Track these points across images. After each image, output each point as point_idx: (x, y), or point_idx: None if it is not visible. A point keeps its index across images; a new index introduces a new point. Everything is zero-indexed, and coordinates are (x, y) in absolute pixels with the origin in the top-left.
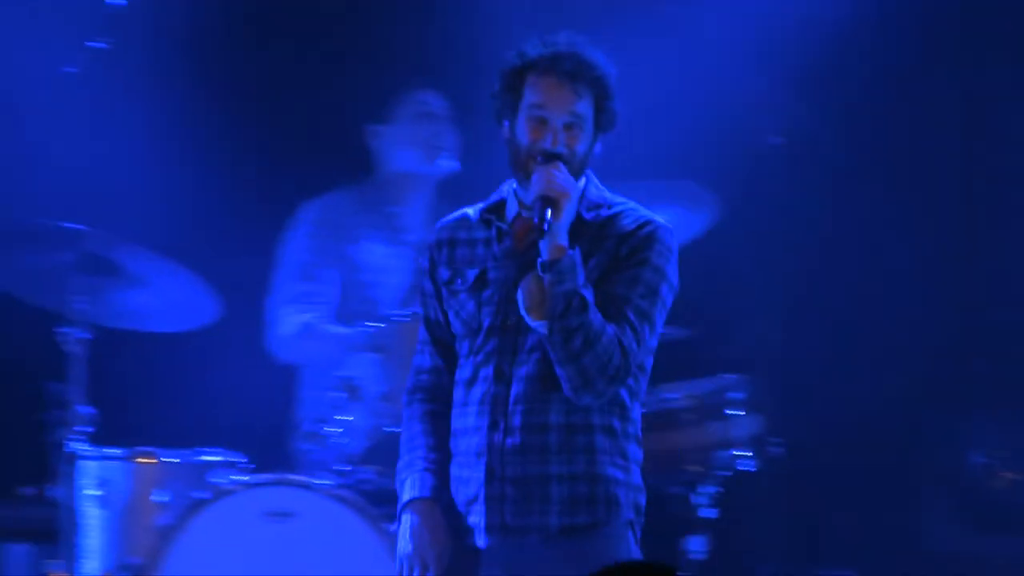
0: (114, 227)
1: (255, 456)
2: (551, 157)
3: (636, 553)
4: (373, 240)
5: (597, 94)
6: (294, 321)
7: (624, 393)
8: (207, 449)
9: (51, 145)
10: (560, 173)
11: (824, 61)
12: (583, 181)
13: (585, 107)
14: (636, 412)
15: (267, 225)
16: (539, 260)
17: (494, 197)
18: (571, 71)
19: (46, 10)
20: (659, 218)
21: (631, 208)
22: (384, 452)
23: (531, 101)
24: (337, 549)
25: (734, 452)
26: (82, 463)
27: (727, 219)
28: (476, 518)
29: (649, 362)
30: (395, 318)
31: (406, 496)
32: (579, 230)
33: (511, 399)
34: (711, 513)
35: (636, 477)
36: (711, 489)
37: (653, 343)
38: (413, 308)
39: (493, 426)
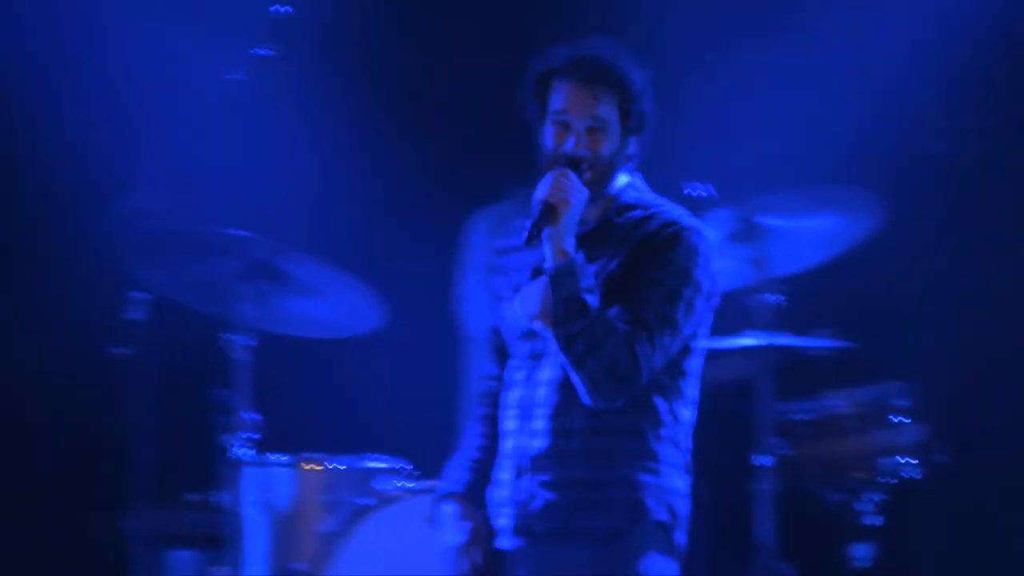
0: (280, 234)
1: (420, 463)
2: (573, 161)
3: (669, 556)
4: None
5: (621, 97)
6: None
7: (656, 395)
8: (372, 455)
9: (218, 153)
10: (566, 179)
11: (992, 65)
12: (623, 180)
13: (607, 111)
14: (679, 413)
15: (433, 232)
16: (545, 266)
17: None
18: (591, 75)
19: (213, 19)
20: (689, 220)
21: (665, 210)
22: None
23: (554, 107)
24: None
25: (899, 459)
26: (247, 469)
27: (892, 225)
28: (504, 520)
29: (690, 363)
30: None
31: (443, 488)
32: (608, 233)
33: (538, 404)
34: (876, 521)
35: (671, 480)
36: (876, 496)
37: (677, 345)
38: None
39: (522, 430)
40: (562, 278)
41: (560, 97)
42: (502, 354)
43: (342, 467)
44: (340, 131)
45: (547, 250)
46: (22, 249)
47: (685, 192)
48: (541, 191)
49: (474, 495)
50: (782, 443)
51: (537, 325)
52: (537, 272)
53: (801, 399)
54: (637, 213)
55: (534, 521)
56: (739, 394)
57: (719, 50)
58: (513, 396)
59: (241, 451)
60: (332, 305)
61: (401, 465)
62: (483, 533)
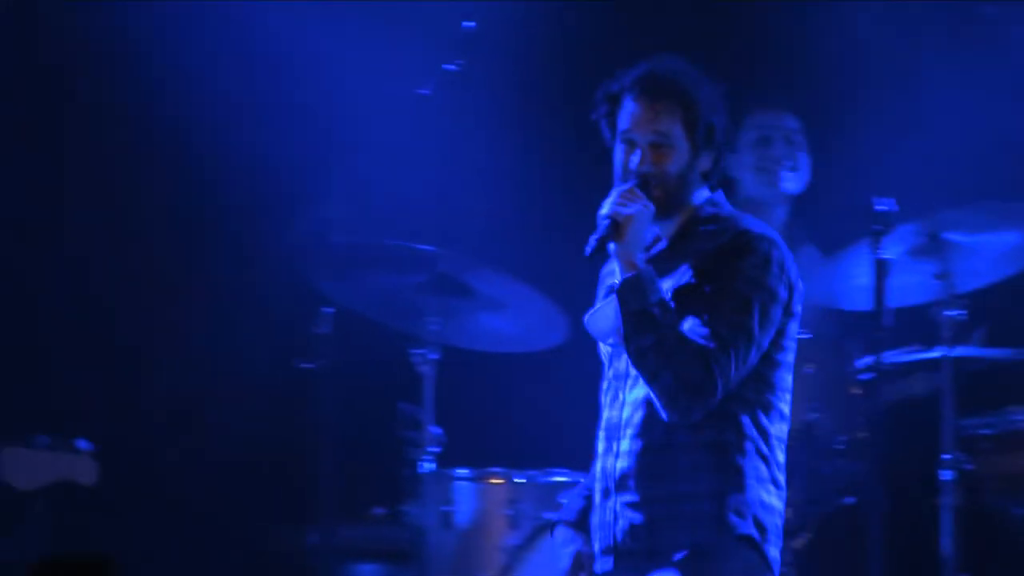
0: (466, 248)
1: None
2: (641, 178)
3: (758, 571)
4: None
5: (683, 111)
6: None
7: (738, 408)
8: (556, 469)
9: (405, 167)
10: (631, 195)
11: None
12: (702, 195)
13: (670, 124)
14: (766, 427)
15: None
16: (612, 283)
17: None
18: (652, 91)
19: (405, 34)
20: (762, 228)
21: (739, 222)
22: None
23: (621, 127)
24: None
25: None
26: (431, 483)
27: None
28: (597, 543)
29: (778, 376)
30: None
31: (557, 516)
32: (683, 248)
33: (623, 424)
34: None
35: (757, 493)
36: None
37: (755, 354)
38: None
39: (609, 451)
40: (629, 292)
41: (625, 116)
42: None
43: (526, 481)
44: (525, 146)
45: (617, 265)
46: (213, 264)
47: (875, 207)
48: (606, 207)
49: (583, 522)
50: (965, 458)
51: (613, 342)
52: (613, 290)
53: (985, 414)
54: (712, 227)
55: (620, 541)
56: (923, 408)
57: (909, 64)
58: (603, 418)
59: (425, 465)
60: (516, 320)
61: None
62: (587, 559)
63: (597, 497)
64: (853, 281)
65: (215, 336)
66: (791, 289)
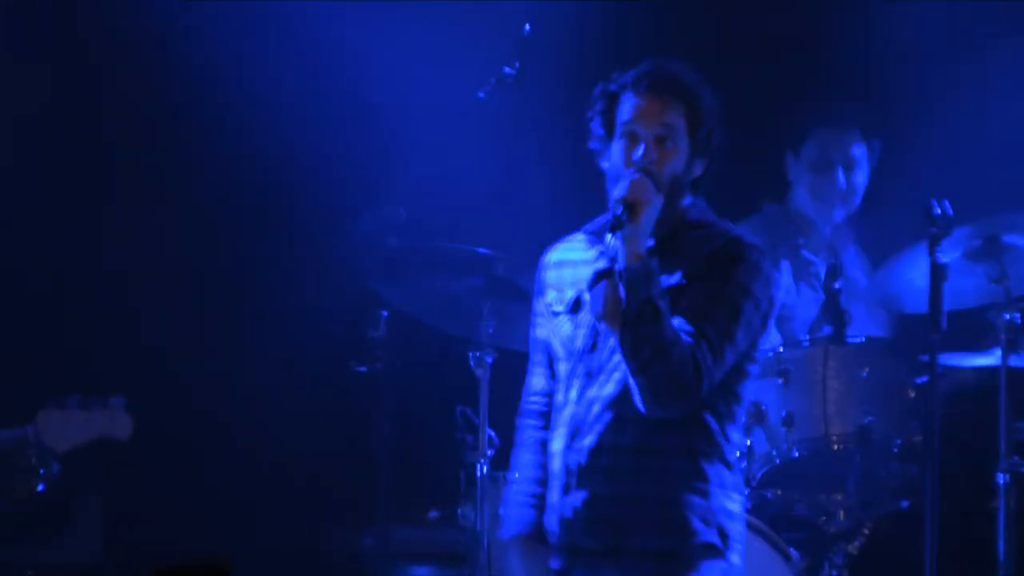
0: (522, 251)
1: None
2: (643, 171)
3: None
4: (779, 268)
5: (688, 108)
6: None
7: (709, 416)
8: None
9: (460, 170)
10: (643, 181)
11: None
12: (688, 201)
13: (675, 118)
14: (731, 435)
15: None
16: (616, 267)
17: (600, 219)
18: (659, 85)
19: (464, 38)
20: (751, 238)
21: (728, 229)
22: (784, 475)
23: (623, 120)
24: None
25: None
26: (487, 486)
27: None
28: (556, 539)
29: (744, 387)
30: (798, 344)
31: (508, 531)
32: (672, 248)
33: (590, 421)
34: None
35: (721, 501)
36: None
37: (734, 361)
38: (816, 334)
39: (570, 448)
40: (638, 280)
41: (628, 109)
42: (552, 370)
43: None
44: (580, 150)
45: (621, 251)
46: (270, 266)
47: (933, 211)
48: (620, 190)
49: (539, 532)
50: (1021, 461)
51: (602, 328)
52: (602, 275)
53: None
54: (701, 232)
55: (580, 538)
56: (979, 412)
57: (969, 66)
58: (563, 415)
59: (480, 468)
60: None
61: None
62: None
63: (554, 495)
64: (909, 284)
65: (271, 339)
66: (771, 303)
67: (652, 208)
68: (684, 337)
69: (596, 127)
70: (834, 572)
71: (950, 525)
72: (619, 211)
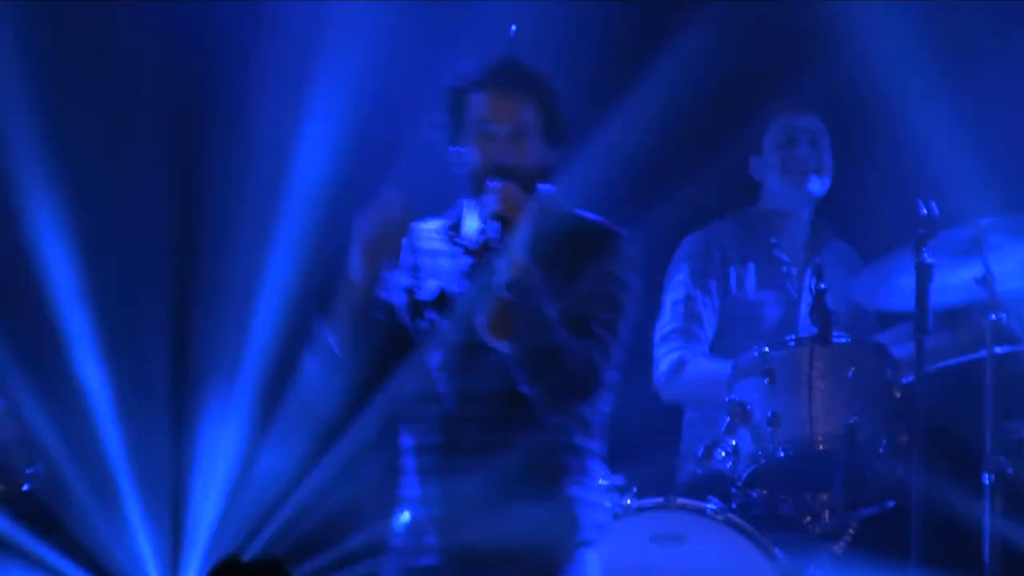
0: None
1: (640, 481)
2: (502, 171)
3: (594, 573)
4: (752, 271)
5: (541, 103)
6: (670, 359)
7: (588, 411)
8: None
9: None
10: (512, 190)
11: None
12: (545, 191)
13: (529, 115)
14: (602, 431)
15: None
16: (500, 280)
17: (453, 215)
18: (511, 82)
19: (454, 37)
20: (618, 228)
21: (593, 219)
22: (770, 475)
23: (476, 117)
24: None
25: None
26: None
27: None
28: (432, 538)
29: (615, 377)
30: (784, 344)
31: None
32: (540, 244)
33: (473, 418)
34: None
35: (597, 495)
36: None
37: (618, 356)
38: (799, 334)
39: (453, 446)
40: (525, 291)
41: (480, 107)
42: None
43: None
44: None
45: (503, 263)
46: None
47: (921, 211)
48: (490, 204)
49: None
50: (1007, 461)
51: (478, 339)
52: (486, 286)
53: None
54: (565, 223)
55: (466, 538)
56: (965, 411)
57: (955, 66)
58: (431, 409)
59: None
60: None
61: (619, 482)
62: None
63: (436, 491)
64: (895, 284)
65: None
66: (639, 287)
67: (525, 213)
68: (575, 339)
69: (449, 125)
70: (819, 572)
71: (936, 525)
72: (494, 231)
